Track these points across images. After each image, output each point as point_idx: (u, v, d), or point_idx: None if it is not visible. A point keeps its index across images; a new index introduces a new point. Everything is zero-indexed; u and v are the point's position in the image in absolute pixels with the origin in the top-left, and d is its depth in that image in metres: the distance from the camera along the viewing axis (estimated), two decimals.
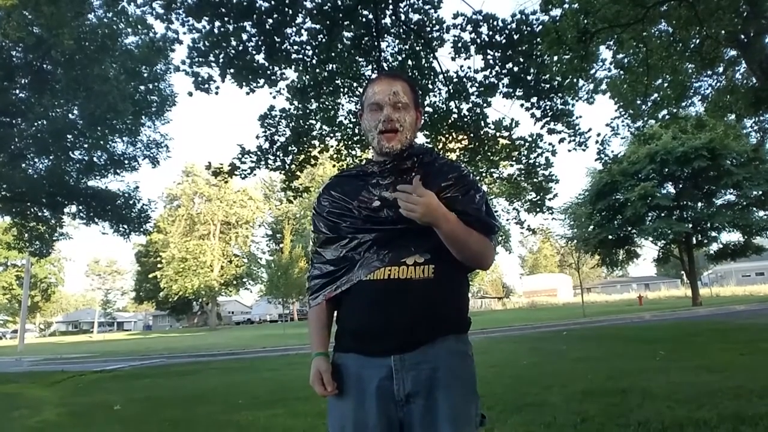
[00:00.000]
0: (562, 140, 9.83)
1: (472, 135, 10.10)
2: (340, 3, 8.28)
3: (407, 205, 1.28)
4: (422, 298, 1.29)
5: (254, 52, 8.33)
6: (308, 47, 8.69)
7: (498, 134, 10.09)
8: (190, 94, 8.60)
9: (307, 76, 9.05)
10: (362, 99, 1.50)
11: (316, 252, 1.48)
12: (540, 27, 8.36)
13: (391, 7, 8.76)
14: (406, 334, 1.29)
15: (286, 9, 7.96)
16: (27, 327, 66.18)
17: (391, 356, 1.29)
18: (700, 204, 25.05)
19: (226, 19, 7.82)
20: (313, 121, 9.78)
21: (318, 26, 8.32)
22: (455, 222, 1.32)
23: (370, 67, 9.28)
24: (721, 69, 11.23)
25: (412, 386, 1.28)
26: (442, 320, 1.32)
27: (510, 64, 9.07)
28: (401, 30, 9.22)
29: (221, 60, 8.14)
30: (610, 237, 25.49)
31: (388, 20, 9.07)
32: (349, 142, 10.18)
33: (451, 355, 1.32)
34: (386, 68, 9.02)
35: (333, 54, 8.69)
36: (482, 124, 9.98)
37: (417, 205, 1.27)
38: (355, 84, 9.37)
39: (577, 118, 9.73)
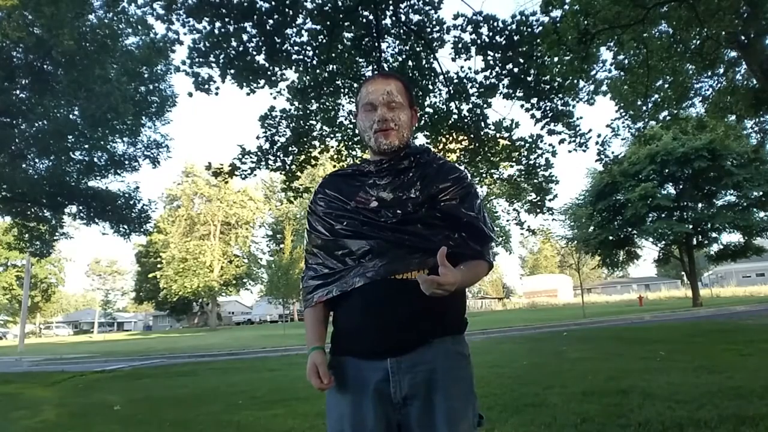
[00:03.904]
0: (562, 141, 9.84)
1: (472, 136, 10.10)
2: (340, 4, 8.28)
3: (440, 291, 1.17)
4: (418, 298, 1.23)
5: (255, 53, 8.34)
6: (308, 48, 8.69)
7: (498, 135, 10.09)
8: (191, 94, 8.62)
9: (308, 77, 9.06)
10: (357, 100, 1.49)
11: (311, 252, 1.44)
12: (540, 28, 8.35)
13: (391, 7, 8.76)
14: (403, 335, 1.28)
15: (287, 10, 7.96)
16: (55, 326, 66.40)
17: (387, 359, 1.28)
18: (700, 205, 25.04)
19: (226, 19, 7.82)
20: (314, 122, 9.79)
21: (318, 27, 8.33)
22: (463, 274, 1.28)
23: (370, 67, 9.29)
24: (721, 70, 11.23)
25: (409, 389, 1.27)
26: (438, 321, 1.31)
27: (510, 65, 9.08)
28: (401, 31, 9.23)
29: (221, 60, 8.15)
30: (610, 238, 25.48)
31: (388, 21, 9.08)
32: (350, 143, 10.18)
33: (448, 357, 1.31)
34: (386, 69, 9.02)
35: (333, 55, 8.71)
36: (482, 124, 9.99)
37: (449, 285, 1.18)
38: (355, 85, 9.37)
39: (577, 119, 9.74)
